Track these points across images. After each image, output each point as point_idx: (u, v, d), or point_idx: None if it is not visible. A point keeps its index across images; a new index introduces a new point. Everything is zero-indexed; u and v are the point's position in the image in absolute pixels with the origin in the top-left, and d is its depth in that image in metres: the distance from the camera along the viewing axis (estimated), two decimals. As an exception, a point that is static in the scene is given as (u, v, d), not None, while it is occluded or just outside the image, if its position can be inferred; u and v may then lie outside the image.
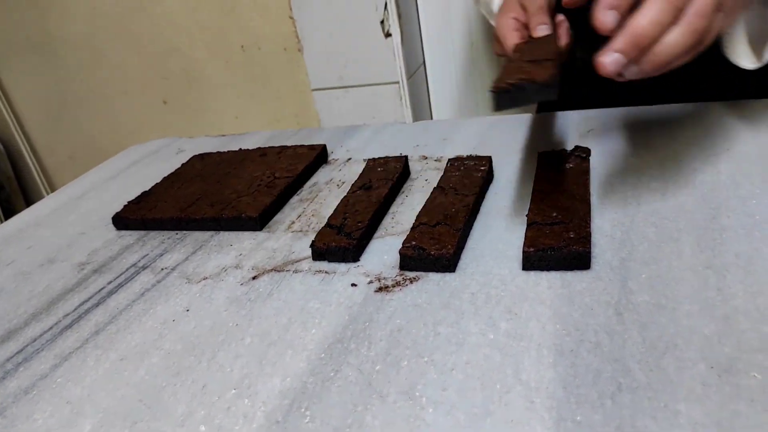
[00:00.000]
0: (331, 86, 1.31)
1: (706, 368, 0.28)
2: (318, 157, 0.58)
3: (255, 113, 1.40)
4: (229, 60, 1.34)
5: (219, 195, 0.52)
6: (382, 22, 1.20)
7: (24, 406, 0.34)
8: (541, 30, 0.51)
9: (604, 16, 0.33)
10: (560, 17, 0.56)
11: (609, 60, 0.33)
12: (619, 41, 0.33)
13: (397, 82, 1.25)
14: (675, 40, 0.34)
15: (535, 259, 0.37)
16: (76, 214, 0.60)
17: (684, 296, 0.32)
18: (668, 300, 0.32)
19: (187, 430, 0.30)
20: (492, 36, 0.55)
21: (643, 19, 0.33)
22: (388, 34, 1.20)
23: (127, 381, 0.34)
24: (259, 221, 0.48)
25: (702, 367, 0.28)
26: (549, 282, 0.36)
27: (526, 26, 0.55)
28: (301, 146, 0.60)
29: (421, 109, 1.33)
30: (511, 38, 0.53)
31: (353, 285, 0.39)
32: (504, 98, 0.33)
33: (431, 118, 1.38)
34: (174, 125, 1.48)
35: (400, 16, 1.18)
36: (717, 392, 0.26)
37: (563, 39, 0.52)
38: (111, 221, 0.54)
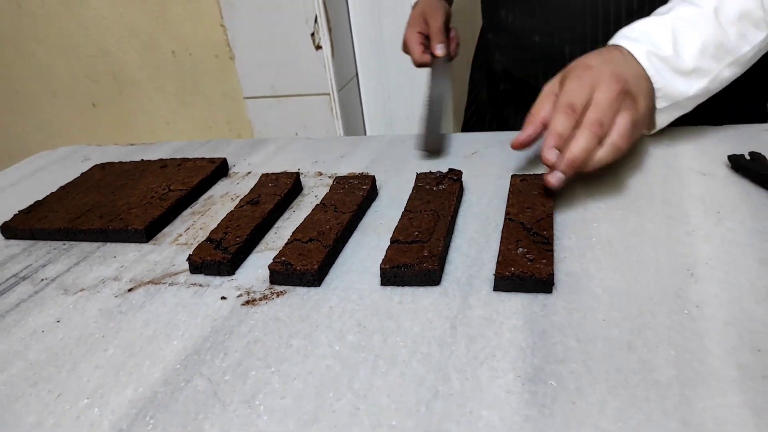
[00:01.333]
0: (263, 95, 1.32)
1: (513, 377, 0.31)
2: (217, 170, 0.60)
3: (186, 119, 1.40)
4: (159, 65, 1.33)
5: (111, 206, 0.53)
6: (312, 34, 1.22)
7: None
8: (440, 49, 0.70)
9: (548, 154, 0.44)
10: (453, 33, 0.75)
11: (554, 179, 0.44)
12: (562, 166, 0.44)
13: (328, 94, 1.27)
14: (600, 158, 0.45)
15: (391, 275, 0.40)
16: (-33, 221, 0.59)
17: (513, 311, 0.36)
18: (498, 315, 0.36)
19: (33, 439, 0.31)
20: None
21: (576, 150, 0.44)
22: (318, 47, 1.22)
23: (-16, 392, 0.35)
24: (145, 234, 0.49)
25: (510, 377, 0.31)
26: (401, 297, 0.39)
27: (428, 38, 0.72)
28: (202, 159, 0.61)
29: (353, 120, 1.35)
30: (418, 51, 0.71)
31: (223, 298, 0.41)
32: (504, 283, 0.38)
33: (364, 129, 1.41)
34: (103, 128, 1.45)
35: (330, 30, 1.21)
36: (517, 399, 0.30)
37: (453, 51, 0.73)
38: None
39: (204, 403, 0.32)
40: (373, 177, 0.52)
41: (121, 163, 0.64)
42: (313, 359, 0.34)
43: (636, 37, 0.50)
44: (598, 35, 0.61)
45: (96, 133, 1.45)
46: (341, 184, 0.52)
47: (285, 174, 0.55)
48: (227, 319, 0.39)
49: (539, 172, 0.50)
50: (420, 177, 0.51)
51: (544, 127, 0.49)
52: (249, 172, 0.62)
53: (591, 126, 0.44)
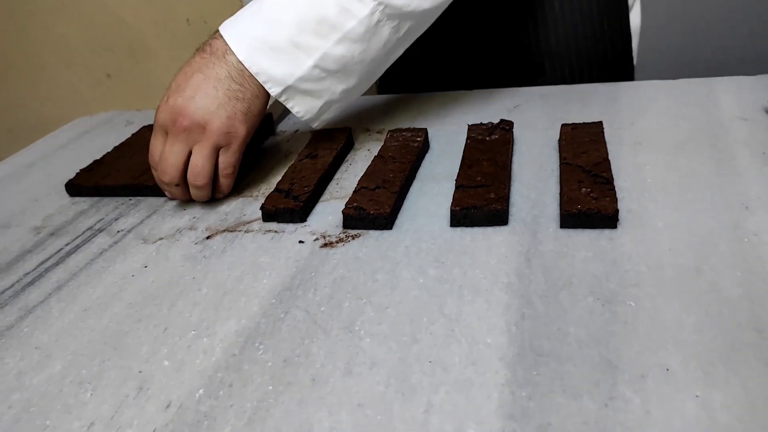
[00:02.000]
0: (279, 62, 1.32)
1: (593, 300, 0.34)
2: (264, 128, 0.61)
3: (202, 88, 1.40)
4: (174, 34, 1.33)
5: (172, 163, 0.55)
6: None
7: (-7, 352, 0.37)
8: None
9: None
10: None
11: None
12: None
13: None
14: (194, 196, 0.50)
15: (461, 216, 0.42)
16: (26, 182, 0.61)
17: (582, 245, 0.38)
18: (569, 248, 0.38)
19: (152, 366, 0.34)
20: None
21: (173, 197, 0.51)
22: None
23: (93, 328, 0.38)
24: (211, 187, 0.51)
25: (590, 300, 0.34)
26: (472, 236, 0.41)
27: None
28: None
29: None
30: None
31: (300, 242, 0.43)
32: (571, 220, 0.40)
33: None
34: (118, 99, 1.45)
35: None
36: (599, 318, 0.32)
37: None
38: (64, 188, 0.56)
39: (306, 330, 0.35)
40: (425, 129, 0.54)
41: (169, 124, 0.66)
42: (401, 291, 0.37)
43: (233, 24, 0.49)
44: None
45: (111, 103, 1.46)
46: (395, 137, 0.54)
47: (338, 130, 0.57)
48: (309, 259, 0.41)
49: (588, 120, 0.52)
50: (472, 128, 0.53)
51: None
52: (296, 131, 0.64)
53: (163, 181, 0.49)
